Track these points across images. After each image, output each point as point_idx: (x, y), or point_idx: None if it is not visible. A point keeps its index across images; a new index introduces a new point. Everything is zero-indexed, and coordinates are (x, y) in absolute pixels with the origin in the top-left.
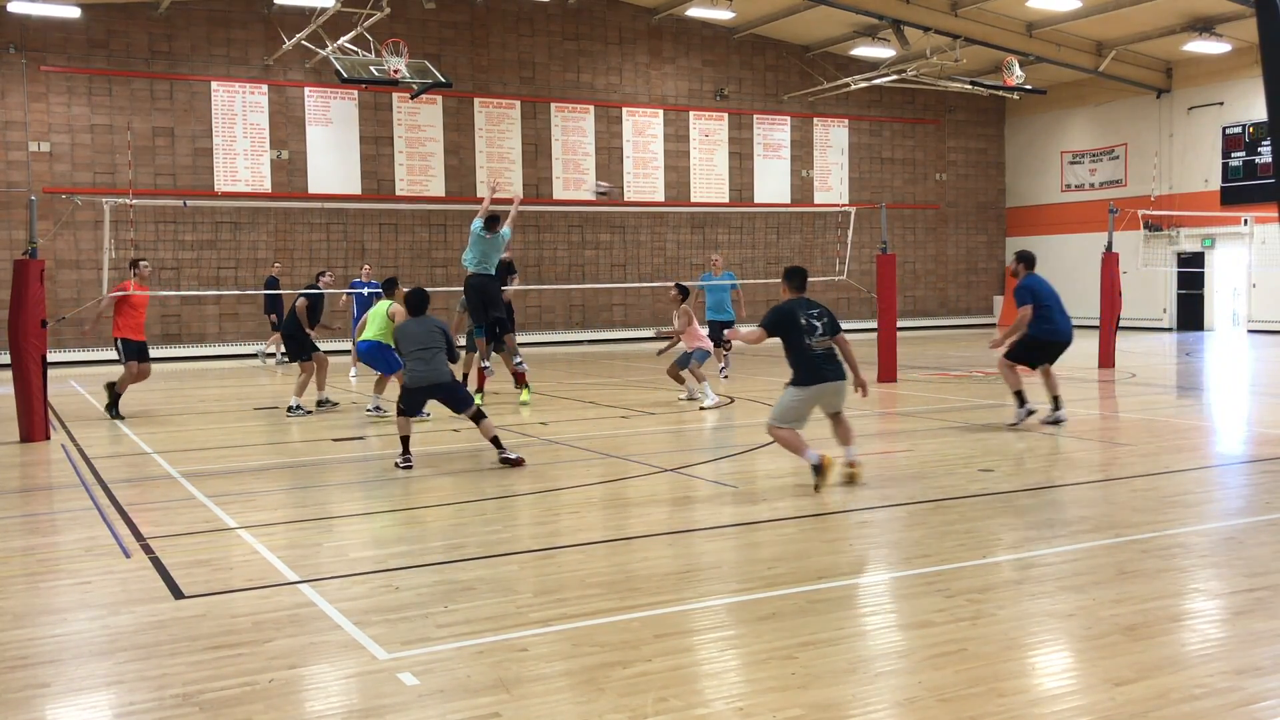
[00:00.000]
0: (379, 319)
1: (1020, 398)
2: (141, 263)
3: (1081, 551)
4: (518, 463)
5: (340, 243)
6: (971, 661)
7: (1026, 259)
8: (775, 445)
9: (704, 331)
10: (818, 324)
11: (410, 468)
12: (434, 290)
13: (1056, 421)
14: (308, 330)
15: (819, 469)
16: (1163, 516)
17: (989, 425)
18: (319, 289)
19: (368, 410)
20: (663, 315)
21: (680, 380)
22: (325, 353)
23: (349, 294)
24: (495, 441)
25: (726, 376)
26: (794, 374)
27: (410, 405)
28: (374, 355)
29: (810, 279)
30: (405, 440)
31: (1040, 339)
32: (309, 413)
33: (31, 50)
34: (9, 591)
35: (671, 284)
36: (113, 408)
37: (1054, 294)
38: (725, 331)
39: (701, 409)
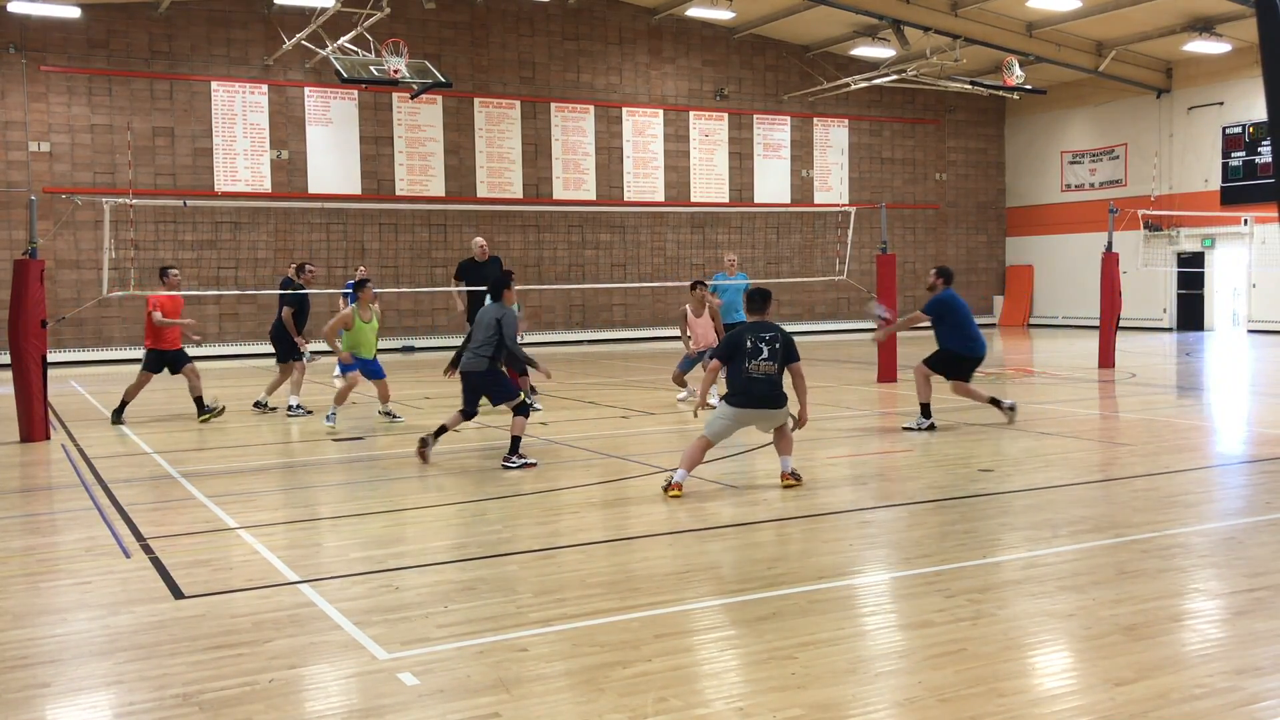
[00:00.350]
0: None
1: (926, 410)
2: (170, 271)
3: (1081, 551)
4: (525, 466)
5: (340, 243)
6: (971, 661)
7: (946, 274)
8: (771, 446)
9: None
10: (764, 348)
11: (424, 450)
12: (433, 290)
13: (1012, 408)
14: (295, 337)
15: (665, 488)
16: (1163, 516)
17: (989, 425)
18: (301, 285)
19: (379, 413)
20: (663, 315)
21: (684, 384)
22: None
23: (344, 295)
24: (514, 442)
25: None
26: (728, 391)
27: (465, 398)
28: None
29: (810, 279)
30: (441, 430)
31: (961, 354)
32: (309, 412)
33: (31, 50)
34: (9, 591)
35: (671, 283)
36: (118, 413)
37: (969, 311)
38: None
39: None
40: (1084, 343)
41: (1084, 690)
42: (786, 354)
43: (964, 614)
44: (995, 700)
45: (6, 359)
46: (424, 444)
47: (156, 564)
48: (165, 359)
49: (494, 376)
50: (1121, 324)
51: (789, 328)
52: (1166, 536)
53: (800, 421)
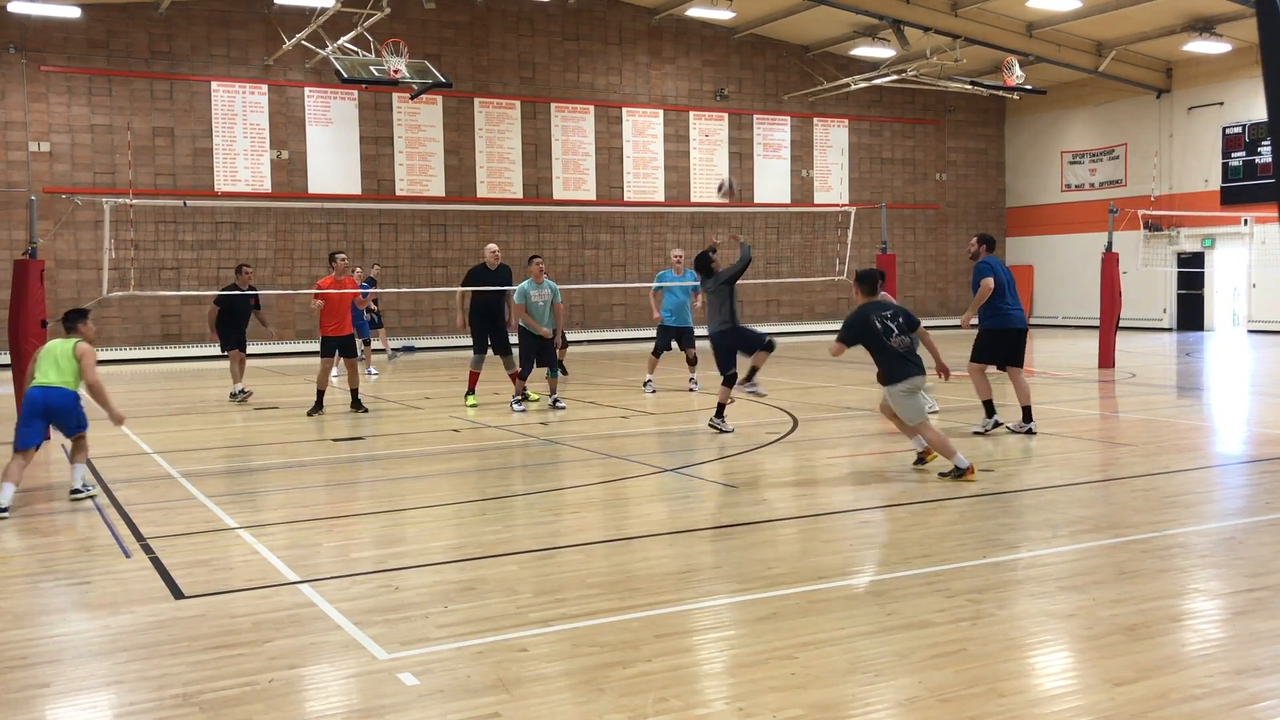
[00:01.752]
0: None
1: (989, 407)
2: (338, 255)
3: (1081, 551)
4: (723, 432)
5: (340, 243)
6: (971, 661)
7: (987, 241)
8: (775, 445)
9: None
10: (893, 325)
11: (720, 428)
12: (434, 290)
13: (1030, 432)
14: (212, 333)
15: (960, 474)
16: (1163, 516)
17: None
18: (237, 286)
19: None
20: None
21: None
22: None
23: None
24: (719, 408)
25: (693, 389)
26: (886, 373)
27: (719, 363)
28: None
29: (810, 279)
30: (721, 407)
31: (993, 329)
32: (249, 394)
33: (31, 50)
34: (9, 591)
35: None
36: (317, 407)
37: (1009, 279)
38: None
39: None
40: (1084, 343)
41: (1084, 690)
42: (909, 323)
43: (964, 614)
44: (995, 700)
45: (6, 359)
46: (718, 429)
47: (156, 564)
48: (329, 344)
49: (738, 331)
50: (1121, 324)
51: (788, 328)
52: (1166, 536)
53: (943, 374)
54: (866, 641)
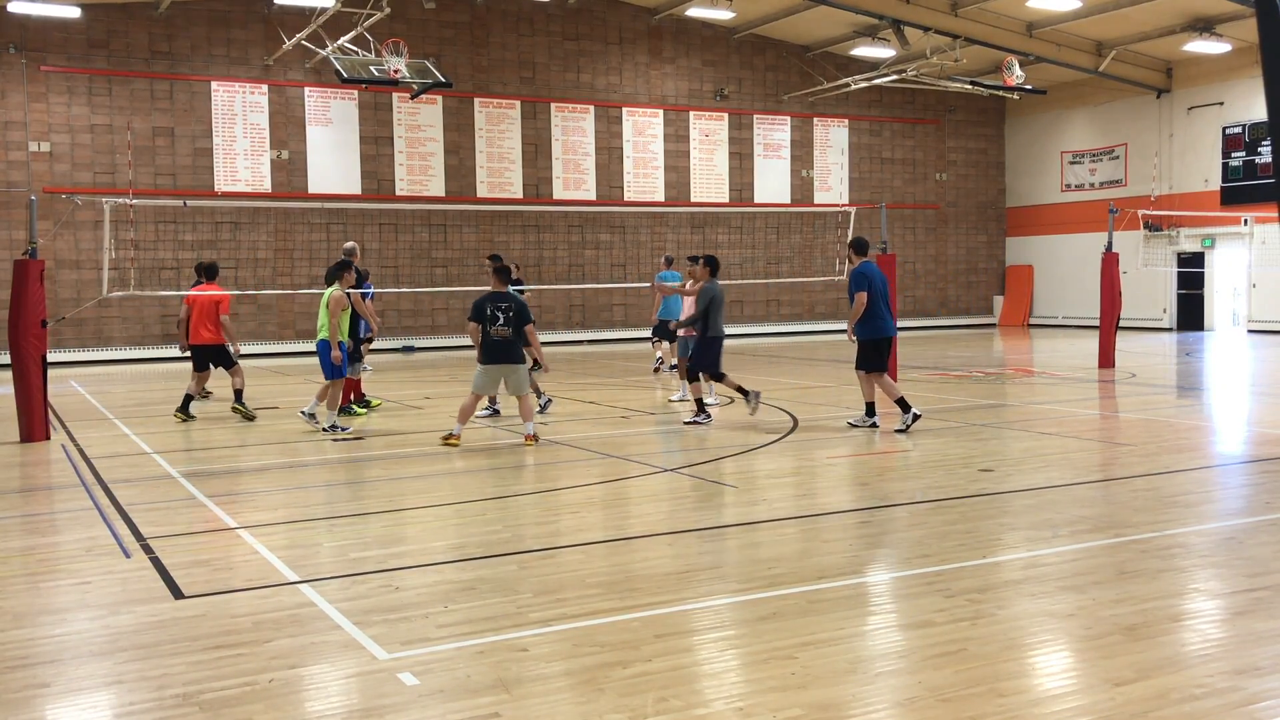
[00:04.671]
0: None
1: (903, 404)
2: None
3: (1081, 551)
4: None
5: (340, 243)
6: (971, 661)
7: (858, 245)
8: (775, 445)
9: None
10: (500, 315)
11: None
12: (433, 291)
13: (873, 426)
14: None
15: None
16: (1163, 516)
17: (989, 425)
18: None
19: (324, 429)
20: None
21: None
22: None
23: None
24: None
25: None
26: (483, 353)
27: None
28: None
29: (810, 279)
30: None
31: (865, 339)
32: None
33: (31, 50)
34: (9, 591)
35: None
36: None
37: (883, 287)
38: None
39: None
40: (1084, 343)
41: (1084, 690)
42: (521, 318)
43: (964, 614)
44: (995, 700)
45: (6, 359)
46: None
47: (156, 564)
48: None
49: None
50: (1121, 324)
51: (788, 327)
52: (1166, 536)
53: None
54: (866, 641)
